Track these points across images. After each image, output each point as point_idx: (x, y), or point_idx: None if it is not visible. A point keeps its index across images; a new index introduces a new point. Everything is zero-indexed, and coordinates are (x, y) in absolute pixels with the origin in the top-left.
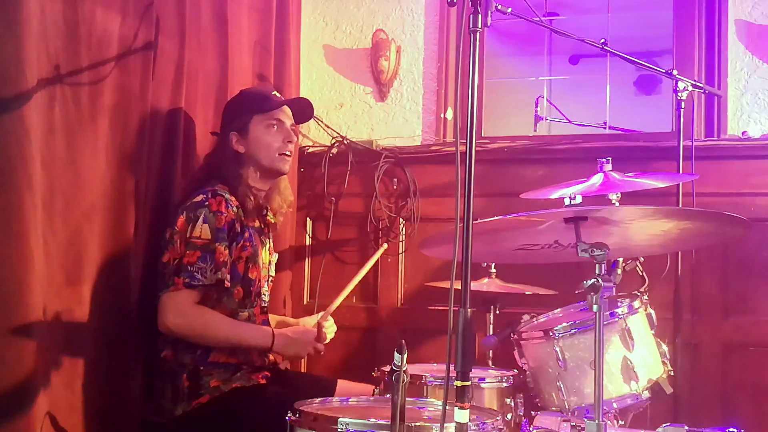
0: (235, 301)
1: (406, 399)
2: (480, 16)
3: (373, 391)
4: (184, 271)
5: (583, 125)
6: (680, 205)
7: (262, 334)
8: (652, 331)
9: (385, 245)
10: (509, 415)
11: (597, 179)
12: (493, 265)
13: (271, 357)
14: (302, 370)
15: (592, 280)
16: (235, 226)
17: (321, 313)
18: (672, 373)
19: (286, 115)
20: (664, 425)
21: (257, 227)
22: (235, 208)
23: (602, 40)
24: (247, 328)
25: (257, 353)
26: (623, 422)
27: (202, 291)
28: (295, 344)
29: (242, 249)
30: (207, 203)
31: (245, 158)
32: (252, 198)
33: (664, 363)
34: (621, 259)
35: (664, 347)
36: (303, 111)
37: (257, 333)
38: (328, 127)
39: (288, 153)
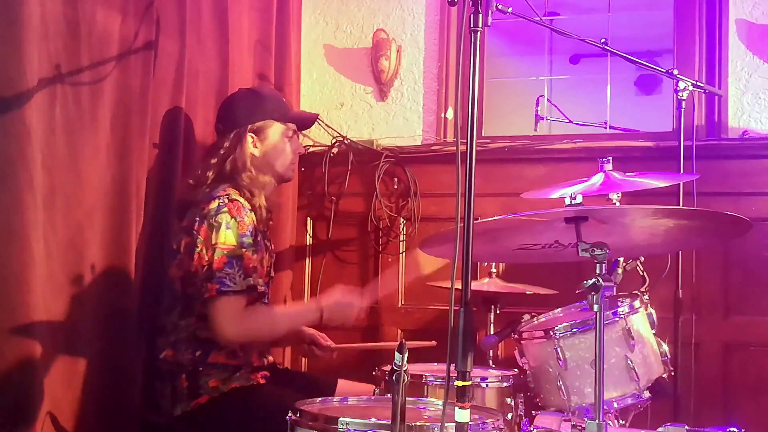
0: None
1: (407, 399)
2: (480, 15)
3: (374, 390)
4: (214, 278)
5: (584, 125)
6: (681, 205)
7: (309, 311)
8: (653, 331)
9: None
10: (510, 415)
11: (598, 179)
12: (493, 265)
13: (270, 358)
14: (303, 370)
15: (593, 279)
16: (254, 232)
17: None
18: (672, 373)
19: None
20: (664, 425)
21: (262, 230)
22: (250, 213)
23: (603, 40)
24: (295, 312)
25: (256, 354)
26: (624, 422)
27: (244, 296)
28: (341, 308)
29: (254, 253)
30: (225, 208)
31: (261, 163)
32: (266, 204)
33: (664, 363)
34: (621, 259)
35: (665, 347)
36: (309, 122)
37: (305, 312)
38: (328, 126)
39: (295, 162)
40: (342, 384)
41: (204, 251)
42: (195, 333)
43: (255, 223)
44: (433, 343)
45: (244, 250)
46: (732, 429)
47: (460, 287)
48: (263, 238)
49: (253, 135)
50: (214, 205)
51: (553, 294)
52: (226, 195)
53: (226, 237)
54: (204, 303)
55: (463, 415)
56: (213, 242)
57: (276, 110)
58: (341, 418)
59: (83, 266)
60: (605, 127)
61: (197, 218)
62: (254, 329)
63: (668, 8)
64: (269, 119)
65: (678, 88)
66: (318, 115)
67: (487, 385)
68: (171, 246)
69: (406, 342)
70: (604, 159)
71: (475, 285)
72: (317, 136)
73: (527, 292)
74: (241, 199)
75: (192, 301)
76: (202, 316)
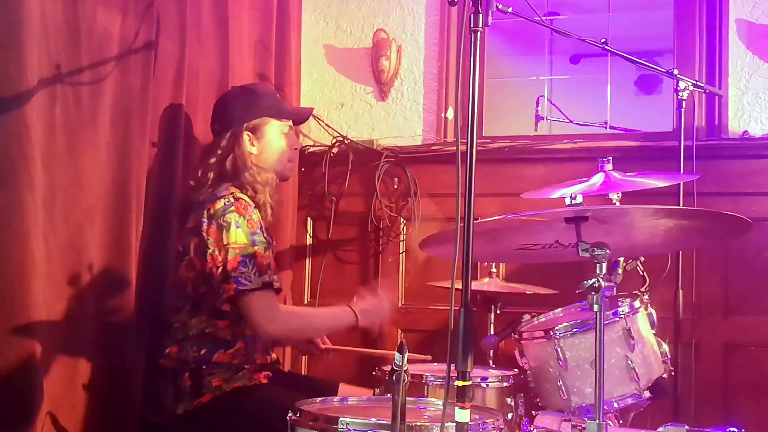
0: None
1: (407, 399)
2: (481, 15)
3: (374, 391)
4: (231, 279)
5: (584, 125)
6: (681, 205)
7: (345, 313)
8: (653, 331)
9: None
10: (510, 415)
11: (598, 179)
12: (493, 265)
13: (273, 356)
14: (303, 372)
15: (593, 279)
16: (262, 229)
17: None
18: (672, 373)
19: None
20: (664, 425)
21: (266, 227)
22: (256, 210)
23: (603, 40)
24: (333, 315)
25: (260, 353)
26: (624, 422)
27: (269, 291)
28: (374, 312)
29: (266, 250)
30: (232, 207)
31: (260, 161)
32: (271, 202)
33: (664, 363)
34: (622, 259)
35: (665, 347)
36: (304, 116)
37: (341, 315)
38: (328, 126)
39: (294, 159)
40: (343, 388)
41: (217, 252)
42: (204, 331)
43: (261, 220)
44: (429, 357)
45: (255, 248)
46: (732, 429)
47: (460, 287)
48: (267, 234)
49: (250, 133)
50: (220, 204)
51: (553, 294)
52: (231, 194)
53: (237, 236)
54: (231, 301)
55: (463, 415)
56: (225, 243)
57: (271, 107)
58: (341, 418)
59: (83, 266)
60: (605, 127)
61: (204, 219)
62: (291, 327)
63: (668, 8)
64: (264, 116)
65: (678, 88)
66: (313, 108)
67: (487, 385)
68: (174, 247)
69: None
70: (604, 159)
71: (475, 285)
72: (317, 136)
73: (527, 292)
74: (246, 197)
75: (203, 299)
76: (213, 314)
